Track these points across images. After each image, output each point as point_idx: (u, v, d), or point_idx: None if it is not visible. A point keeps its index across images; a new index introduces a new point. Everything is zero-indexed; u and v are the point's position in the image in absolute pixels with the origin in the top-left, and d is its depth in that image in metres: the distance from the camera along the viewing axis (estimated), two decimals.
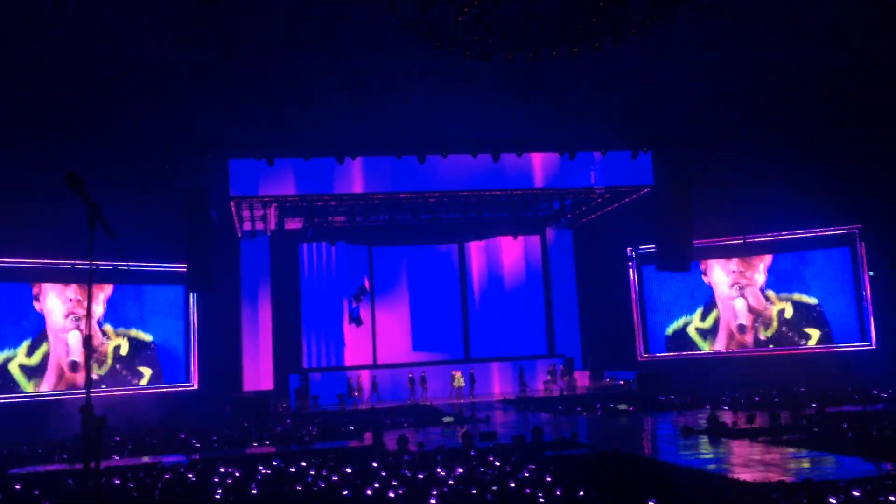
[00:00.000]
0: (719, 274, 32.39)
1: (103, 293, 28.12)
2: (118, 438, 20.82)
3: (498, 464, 14.02)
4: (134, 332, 28.68)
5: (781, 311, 31.36)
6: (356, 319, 34.08)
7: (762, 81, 23.29)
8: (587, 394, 29.33)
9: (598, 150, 27.63)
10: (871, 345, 29.41)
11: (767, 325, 31.57)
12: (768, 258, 31.68)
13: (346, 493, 11.86)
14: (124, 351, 28.43)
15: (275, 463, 15.38)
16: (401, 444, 17.41)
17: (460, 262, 36.24)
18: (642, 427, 21.61)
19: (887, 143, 25.27)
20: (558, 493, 11.11)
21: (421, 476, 12.81)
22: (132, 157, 24.22)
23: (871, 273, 29.48)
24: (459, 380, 29.70)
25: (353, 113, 23.18)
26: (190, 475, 14.17)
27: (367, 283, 34.60)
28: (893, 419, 18.28)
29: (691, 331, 32.71)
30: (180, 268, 27.51)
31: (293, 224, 32.77)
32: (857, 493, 10.16)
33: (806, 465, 14.16)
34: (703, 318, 32.61)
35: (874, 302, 29.46)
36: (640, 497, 10.67)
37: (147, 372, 28.86)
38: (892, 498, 9.88)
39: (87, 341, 6.18)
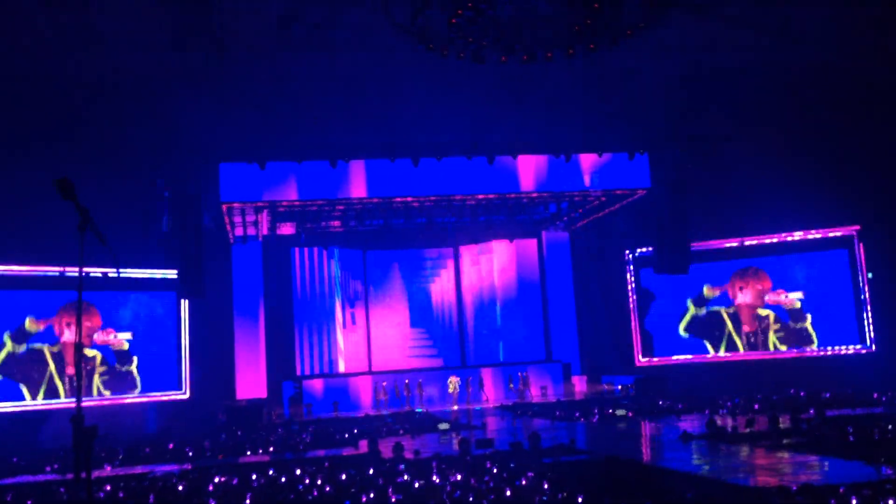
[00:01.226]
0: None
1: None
2: (112, 448, 20.59)
3: (495, 471, 13.83)
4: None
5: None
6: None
7: (758, 83, 23.22)
8: (585, 399, 29.16)
9: (594, 152, 27.49)
10: (870, 347, 29.28)
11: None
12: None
13: (341, 501, 11.68)
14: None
15: (270, 472, 15.18)
16: (396, 451, 17.23)
17: (455, 266, 36.06)
18: (641, 432, 21.43)
19: (884, 144, 25.22)
20: (557, 499, 10.94)
21: (417, 484, 12.62)
22: (123, 162, 24.06)
23: (870, 275, 29.38)
24: (455, 386, 29.52)
25: (346, 117, 23.04)
26: (182, 485, 13.97)
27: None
28: (894, 422, 18.14)
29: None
30: (171, 274, 27.30)
31: (286, 229, 32.54)
32: (857, 499, 10.00)
33: (805, 469, 14.01)
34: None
35: (873, 304, 29.35)
36: (639, 503, 10.50)
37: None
38: (892, 502, 9.73)
39: (78, 349, 5.95)
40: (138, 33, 18.37)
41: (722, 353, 32.03)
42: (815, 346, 30.50)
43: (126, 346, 28.41)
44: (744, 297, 32.01)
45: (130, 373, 28.39)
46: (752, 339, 31.64)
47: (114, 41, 18.37)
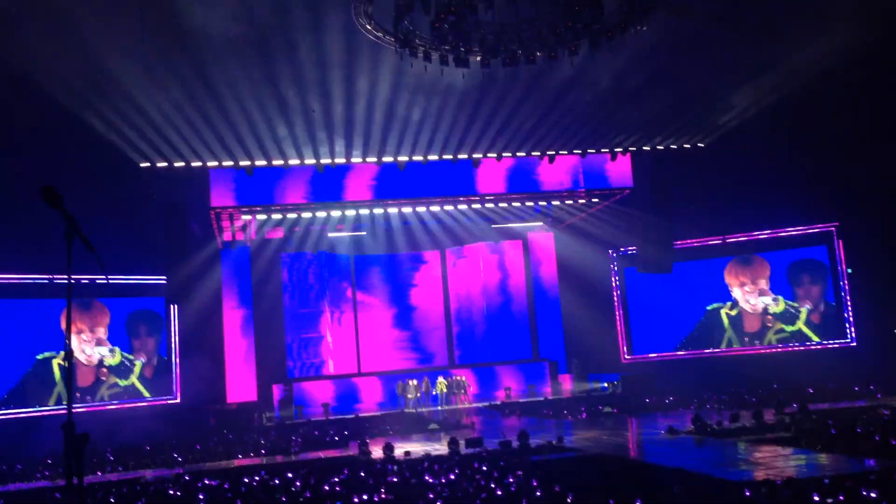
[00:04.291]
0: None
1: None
2: (104, 454, 20.62)
3: (485, 469, 14.00)
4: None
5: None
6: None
7: (738, 82, 23.46)
8: (572, 397, 29.37)
9: (576, 152, 27.69)
10: (850, 342, 29.65)
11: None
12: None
13: (333, 502, 11.80)
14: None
15: (262, 474, 15.28)
16: (387, 451, 17.39)
17: (442, 267, 36.22)
18: (627, 429, 21.67)
19: (862, 141, 25.52)
20: (545, 497, 11.10)
21: (407, 484, 12.77)
22: (111, 169, 24.06)
23: (850, 270, 29.75)
24: (444, 386, 29.63)
25: (332, 121, 23.10)
26: (174, 489, 14.05)
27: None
28: (875, 415, 18.45)
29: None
30: (160, 280, 27.34)
31: (274, 233, 32.62)
32: (840, 490, 10.22)
33: (790, 462, 14.24)
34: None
35: (852, 299, 29.72)
36: (627, 499, 10.68)
37: None
38: (874, 494, 9.94)
39: (69, 356, 6.02)
40: (123, 39, 18.38)
41: (707, 349, 32.33)
42: (806, 342, 30.90)
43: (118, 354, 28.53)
44: (732, 294, 32.35)
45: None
46: (740, 336, 32.01)
47: (99, 48, 18.38)
